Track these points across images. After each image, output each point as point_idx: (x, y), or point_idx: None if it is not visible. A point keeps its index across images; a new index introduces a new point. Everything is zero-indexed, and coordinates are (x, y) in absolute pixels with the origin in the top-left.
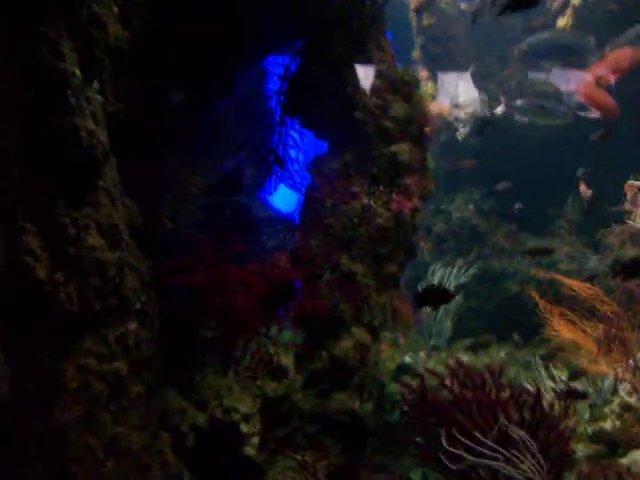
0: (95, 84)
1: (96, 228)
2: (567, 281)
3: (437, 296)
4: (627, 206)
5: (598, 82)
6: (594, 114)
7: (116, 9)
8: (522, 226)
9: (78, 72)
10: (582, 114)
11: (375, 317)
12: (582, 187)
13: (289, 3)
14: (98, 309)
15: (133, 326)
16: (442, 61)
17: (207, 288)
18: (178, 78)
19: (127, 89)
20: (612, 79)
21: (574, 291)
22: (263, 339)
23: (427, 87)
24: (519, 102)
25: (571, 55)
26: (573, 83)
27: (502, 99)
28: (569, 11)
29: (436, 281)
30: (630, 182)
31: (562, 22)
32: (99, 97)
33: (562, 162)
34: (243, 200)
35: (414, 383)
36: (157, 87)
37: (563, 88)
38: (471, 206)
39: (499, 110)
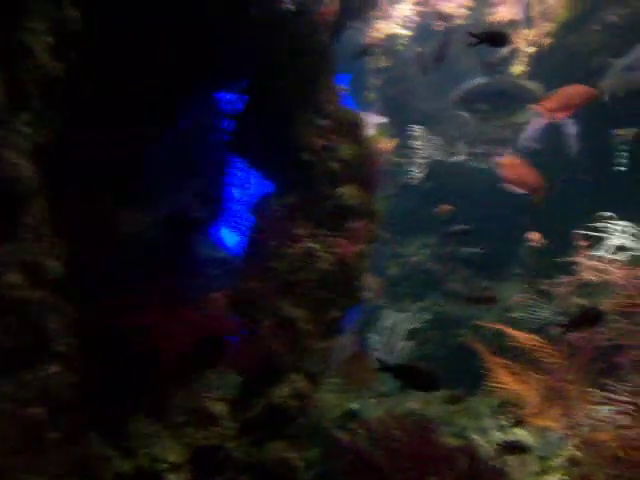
0: (24, 115)
1: (17, 265)
2: (512, 332)
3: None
4: (576, 256)
5: (549, 117)
6: (519, 190)
7: (50, 39)
8: (478, 271)
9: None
10: (506, 188)
11: (316, 364)
12: (531, 235)
13: (238, 39)
14: (16, 349)
15: (54, 369)
16: (398, 103)
17: (138, 332)
18: (118, 112)
19: (61, 120)
20: (561, 116)
21: (520, 342)
22: (196, 385)
23: (380, 129)
24: (479, 149)
25: (511, 101)
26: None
27: (461, 146)
28: (524, 59)
29: (389, 324)
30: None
31: (517, 69)
32: (27, 129)
33: (516, 208)
34: (184, 239)
35: (361, 431)
36: (94, 119)
37: None
38: (427, 250)
39: (459, 157)
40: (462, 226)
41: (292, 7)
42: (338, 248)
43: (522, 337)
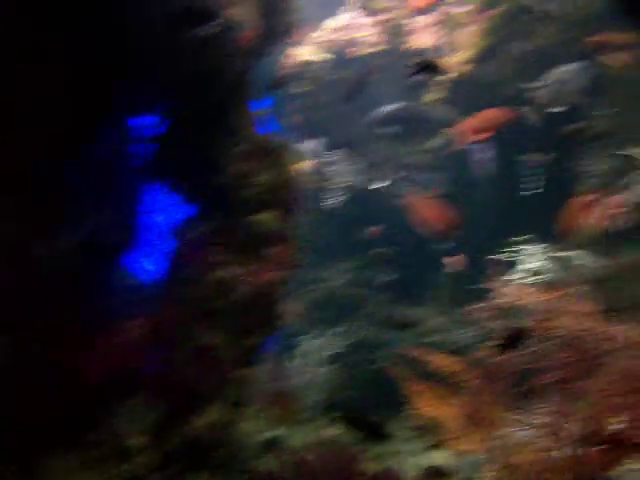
0: None
1: None
2: (433, 356)
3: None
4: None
5: (465, 139)
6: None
7: None
8: (398, 295)
9: None
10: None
11: (235, 392)
12: (451, 259)
13: (159, 64)
14: None
15: None
16: (315, 128)
17: (51, 364)
18: (32, 137)
19: None
20: (479, 138)
21: (441, 365)
22: (114, 417)
23: (300, 154)
24: (402, 174)
25: (422, 126)
26: None
27: (384, 172)
28: (440, 86)
29: (309, 349)
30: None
31: (433, 95)
32: None
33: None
34: (100, 266)
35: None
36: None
37: None
38: (346, 275)
39: (383, 183)
40: (380, 250)
41: (213, 31)
42: (258, 274)
43: (442, 361)
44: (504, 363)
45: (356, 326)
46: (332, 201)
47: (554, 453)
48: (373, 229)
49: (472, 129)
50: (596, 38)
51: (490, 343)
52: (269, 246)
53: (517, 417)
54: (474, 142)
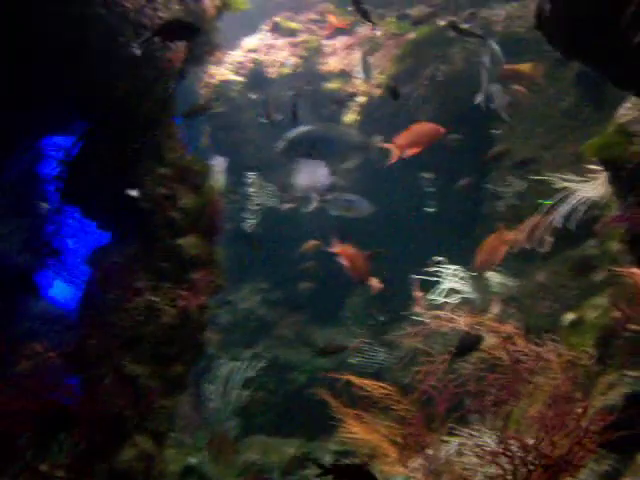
0: None
1: None
2: (358, 380)
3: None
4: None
5: (400, 152)
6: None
7: None
8: (311, 316)
9: None
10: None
11: (160, 422)
12: (372, 281)
13: (74, 82)
14: None
15: None
16: (231, 150)
17: None
18: None
19: None
20: (410, 153)
21: (367, 390)
22: (32, 454)
23: (218, 176)
24: (330, 196)
25: (333, 148)
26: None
27: (314, 194)
28: (356, 108)
29: (223, 373)
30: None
31: (349, 117)
32: None
33: None
34: (10, 294)
35: None
36: None
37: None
38: (258, 296)
39: (312, 205)
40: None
41: (138, 52)
42: (180, 300)
43: (369, 385)
44: (432, 386)
45: (269, 347)
46: (245, 222)
47: (481, 474)
48: (312, 242)
49: (404, 144)
50: (508, 68)
51: (455, 347)
52: (192, 271)
53: (445, 439)
54: (411, 154)
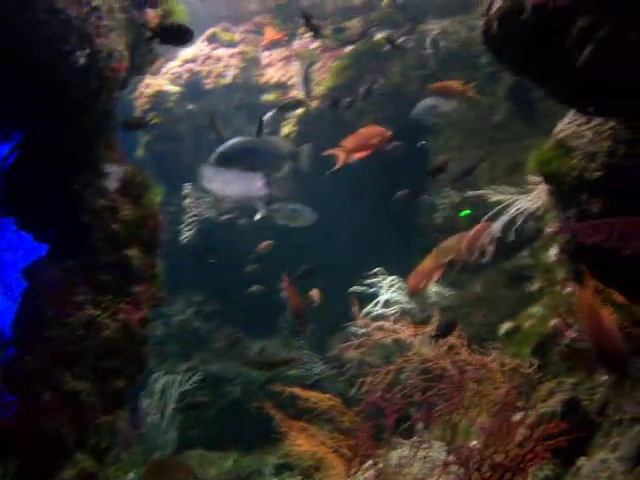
0: None
1: None
2: (303, 392)
3: None
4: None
5: (347, 156)
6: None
7: None
8: (245, 328)
9: None
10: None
11: (102, 439)
12: (313, 292)
13: (11, 91)
14: None
15: None
16: (168, 160)
17: None
18: None
19: None
20: (357, 157)
21: (313, 402)
22: None
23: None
24: (276, 206)
25: (266, 160)
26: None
27: (259, 205)
28: (293, 120)
29: (158, 387)
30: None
31: (286, 129)
32: None
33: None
34: None
35: None
36: None
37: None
38: (192, 308)
39: (258, 215)
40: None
41: (82, 61)
42: (122, 314)
43: (314, 396)
44: (376, 397)
45: (205, 361)
46: (181, 233)
47: None
48: (265, 243)
49: (351, 148)
50: (438, 85)
51: (436, 331)
52: (134, 284)
53: (390, 450)
54: (359, 158)
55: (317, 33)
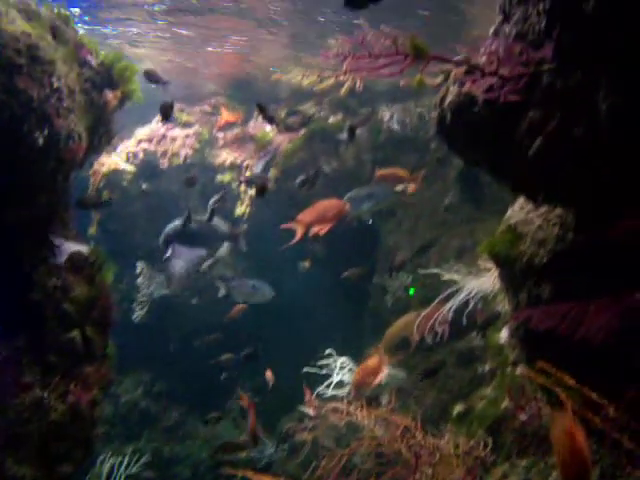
0: None
1: None
2: (255, 476)
3: None
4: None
5: (303, 230)
6: None
7: None
8: (194, 409)
9: None
10: None
11: None
12: (268, 373)
13: None
14: None
15: None
16: (120, 239)
17: None
18: None
19: None
20: (317, 230)
21: None
22: None
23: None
24: (236, 282)
25: (206, 240)
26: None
27: (221, 284)
28: (247, 200)
29: (105, 470)
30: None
31: (240, 210)
32: None
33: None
34: None
35: None
36: None
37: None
38: (141, 388)
39: (221, 292)
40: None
41: (41, 141)
42: (71, 396)
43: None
44: None
45: (153, 441)
46: (137, 313)
47: None
48: (239, 307)
49: (308, 221)
50: (385, 171)
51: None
52: (84, 364)
53: None
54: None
55: (272, 122)
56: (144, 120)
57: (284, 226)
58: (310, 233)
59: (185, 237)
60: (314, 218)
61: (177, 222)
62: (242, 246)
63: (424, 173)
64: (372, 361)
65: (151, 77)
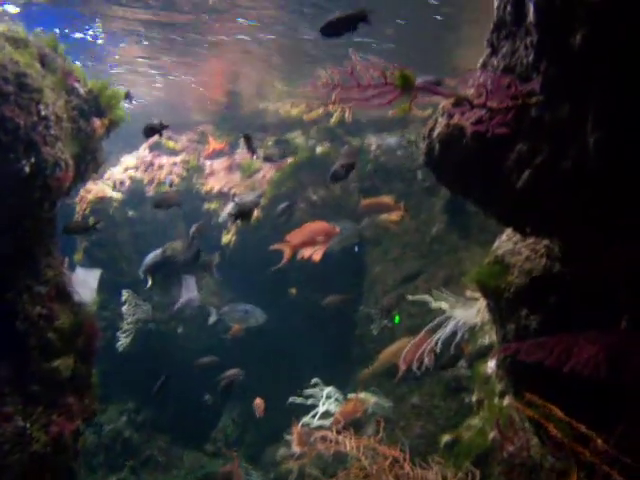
0: None
1: None
2: None
3: None
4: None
5: (292, 251)
6: None
7: None
8: (178, 438)
9: None
10: None
11: None
12: (257, 401)
13: None
14: None
15: None
16: (106, 266)
17: None
18: None
19: None
20: (316, 256)
21: None
22: None
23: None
24: (227, 308)
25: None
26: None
27: (212, 310)
28: (233, 229)
29: None
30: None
31: (226, 238)
32: None
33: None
34: None
35: None
36: None
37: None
38: (124, 417)
39: (211, 319)
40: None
41: (27, 170)
42: (54, 426)
43: None
44: None
45: (136, 471)
46: (122, 341)
47: None
48: (237, 328)
49: (297, 243)
50: (370, 201)
51: None
52: (67, 394)
53: None
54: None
55: (253, 153)
56: (129, 147)
57: (273, 247)
58: (300, 256)
59: (164, 267)
60: (303, 240)
61: (154, 253)
62: (214, 274)
63: (403, 204)
64: (349, 405)
65: (150, 129)
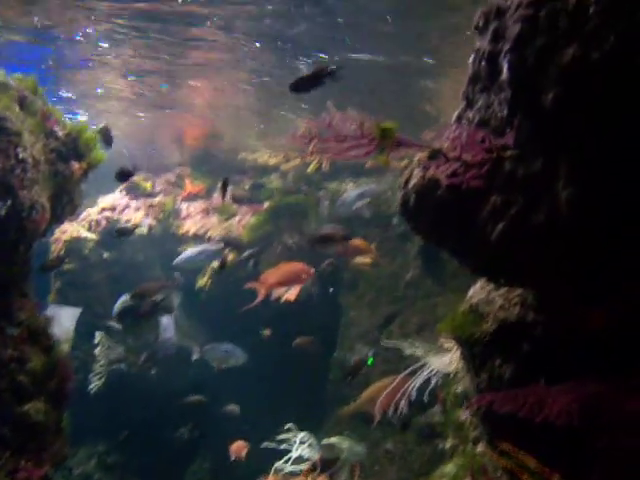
0: None
1: None
2: None
3: None
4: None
5: (266, 291)
6: None
7: None
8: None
9: None
10: None
11: None
12: (236, 444)
13: None
14: None
15: None
16: (80, 308)
17: None
18: None
19: None
20: (291, 297)
21: None
22: None
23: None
24: (209, 347)
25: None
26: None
27: (195, 349)
28: (208, 272)
29: None
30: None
31: (202, 281)
32: None
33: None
34: None
35: None
36: None
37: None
38: (94, 460)
39: (195, 356)
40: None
41: (3, 212)
42: (22, 472)
43: None
44: None
45: None
46: (95, 383)
47: None
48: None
49: (271, 282)
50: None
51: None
52: (36, 439)
53: None
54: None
55: (223, 197)
56: (103, 189)
57: (248, 285)
58: (275, 296)
59: (132, 312)
60: (277, 279)
61: (123, 298)
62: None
63: (375, 246)
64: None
65: (123, 173)
